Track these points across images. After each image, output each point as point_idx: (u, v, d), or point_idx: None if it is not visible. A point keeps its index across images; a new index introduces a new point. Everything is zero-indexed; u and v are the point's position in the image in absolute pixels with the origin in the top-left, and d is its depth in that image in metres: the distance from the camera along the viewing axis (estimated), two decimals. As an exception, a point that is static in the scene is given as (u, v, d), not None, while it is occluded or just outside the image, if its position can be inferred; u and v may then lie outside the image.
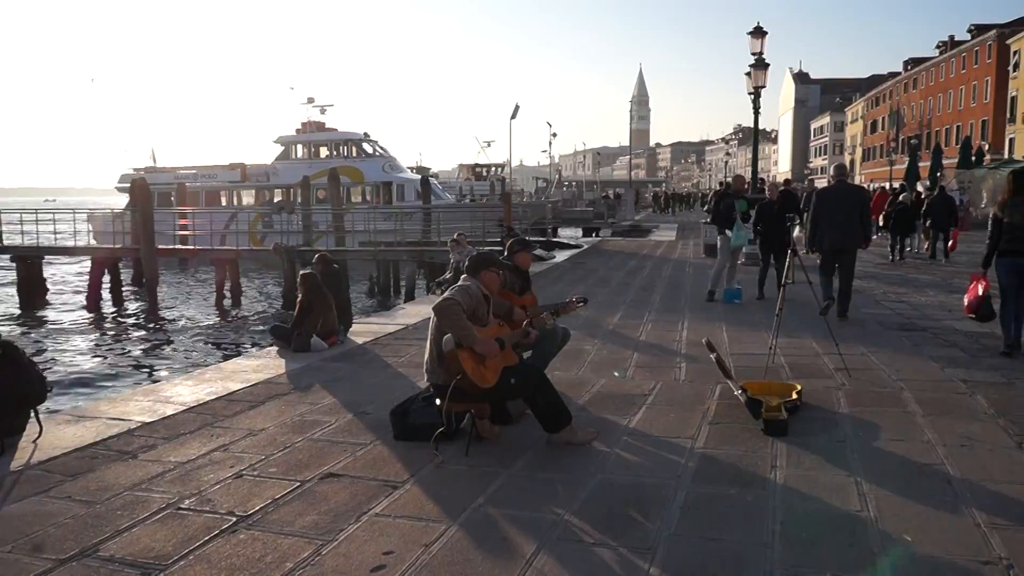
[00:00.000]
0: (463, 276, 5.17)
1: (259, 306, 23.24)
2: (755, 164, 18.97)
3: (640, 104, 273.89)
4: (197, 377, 7.21)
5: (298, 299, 8.54)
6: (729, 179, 13.17)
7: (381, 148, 40.17)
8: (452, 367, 4.63)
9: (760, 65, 17.50)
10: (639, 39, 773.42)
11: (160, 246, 23.31)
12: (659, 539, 3.59)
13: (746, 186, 14.32)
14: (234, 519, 3.88)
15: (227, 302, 22.19)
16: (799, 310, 9.60)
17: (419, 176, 39.82)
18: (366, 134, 40.38)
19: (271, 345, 8.66)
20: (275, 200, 36.99)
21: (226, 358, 14.56)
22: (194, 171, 39.96)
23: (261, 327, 19.04)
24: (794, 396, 5.67)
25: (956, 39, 69.32)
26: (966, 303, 8.03)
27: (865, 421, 5.39)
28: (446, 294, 4.78)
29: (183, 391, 6.56)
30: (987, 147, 51.80)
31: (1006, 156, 51.67)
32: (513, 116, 51.88)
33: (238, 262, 22.73)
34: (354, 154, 38.75)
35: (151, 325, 20.07)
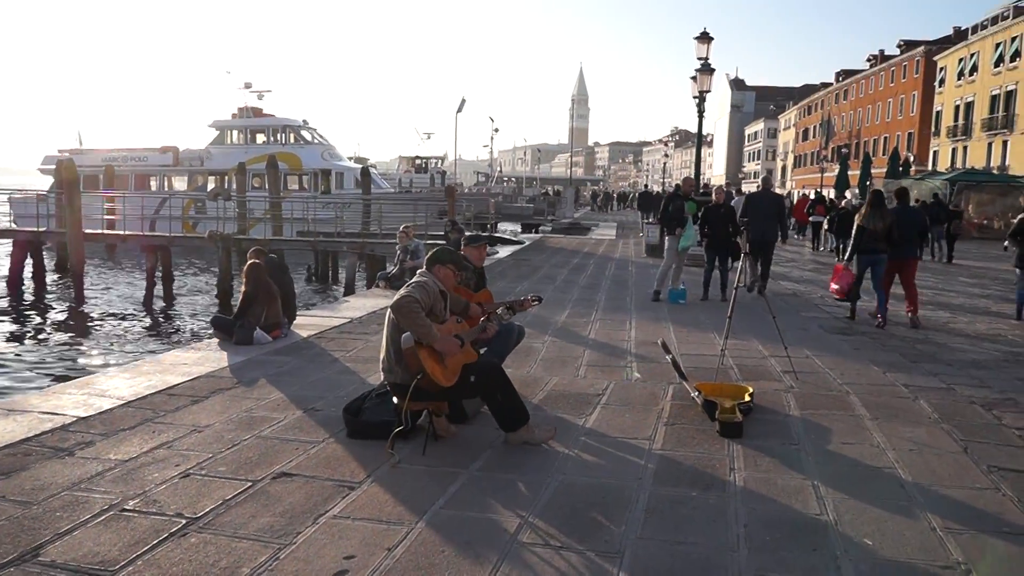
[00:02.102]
0: (419, 271, 5.05)
1: (193, 296, 22.56)
2: (698, 166, 19.24)
3: (580, 103, 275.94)
4: (134, 370, 6.89)
5: (242, 289, 8.26)
6: (679, 181, 13.33)
7: (320, 136, 39.53)
8: (412, 366, 4.51)
9: (706, 69, 17.74)
10: (580, 39, 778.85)
11: (87, 231, 22.36)
12: (625, 542, 3.55)
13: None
14: (183, 521, 3.70)
15: (158, 290, 21.43)
16: (745, 313, 9.74)
17: (359, 166, 39.30)
18: (305, 121, 39.66)
19: (211, 336, 8.36)
20: (209, 186, 36.01)
21: (159, 350, 14.10)
22: (123, 154, 38.59)
23: (197, 318, 18.48)
24: (747, 398, 5.72)
25: (886, 53, 71.71)
26: (834, 287, 9.97)
27: (816, 424, 5.47)
28: (403, 291, 4.64)
29: (119, 384, 6.26)
30: (912, 159, 53.78)
31: (930, 168, 53.75)
32: (459, 110, 51.72)
33: (170, 249, 21.99)
34: (292, 141, 38.05)
35: (78, 313, 19.25)
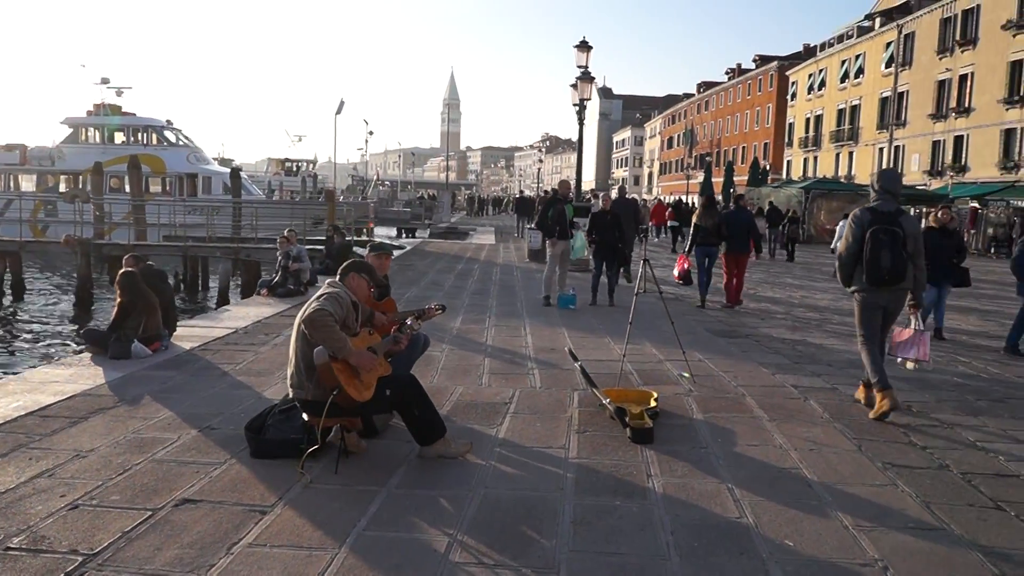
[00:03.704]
0: (329, 282, 4.83)
1: (48, 306, 20.92)
2: (579, 172, 19.59)
3: (452, 107, 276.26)
4: (-2, 389, 6.27)
5: (116, 299, 7.69)
6: (554, 186, 13.56)
7: (185, 137, 37.72)
8: (327, 381, 4.30)
9: (586, 78, 18.10)
10: (451, 43, 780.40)
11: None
12: (559, 557, 3.51)
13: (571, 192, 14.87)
14: (80, 559, 3.36)
15: (7, 300, 19.76)
16: (637, 317, 9.94)
17: (227, 170, 37.72)
18: (169, 121, 37.72)
19: (82, 351, 7.74)
20: (61, 187, 33.61)
21: (19, 366, 12.97)
22: (-39, 151, 35.44)
23: (57, 329, 17.15)
24: (653, 403, 5.81)
25: (743, 67, 75.76)
26: (676, 274, 11.68)
27: (720, 427, 5.63)
28: (315, 304, 4.42)
29: (-17, 406, 5.67)
30: (768, 167, 57.06)
31: (784, 176, 57.16)
32: (338, 111, 50.63)
33: (20, 255, 20.32)
34: (155, 142, 36.13)
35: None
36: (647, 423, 5.32)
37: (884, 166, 46.27)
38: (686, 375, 7.07)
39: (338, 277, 4.79)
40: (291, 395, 4.65)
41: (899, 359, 6.46)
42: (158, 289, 8.06)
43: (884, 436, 5.49)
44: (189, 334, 8.69)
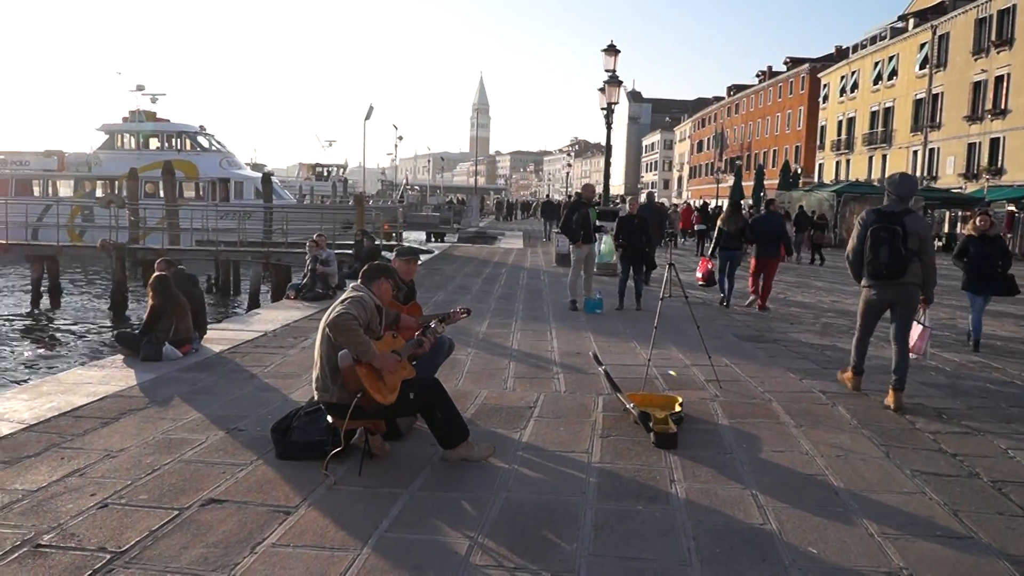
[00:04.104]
0: (353, 286, 4.88)
1: (83, 309, 21.32)
2: (607, 177, 19.55)
3: (481, 112, 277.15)
4: (32, 390, 6.40)
5: (148, 303, 7.83)
6: (578, 190, 13.55)
7: (218, 142, 38.18)
8: (351, 384, 4.34)
9: (614, 82, 18.07)
10: (480, 48, 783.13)
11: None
12: (579, 561, 3.51)
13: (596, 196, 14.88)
14: (107, 556, 3.43)
15: (44, 303, 20.17)
16: (663, 322, 9.90)
17: (258, 175, 38.18)
18: (202, 127, 38.24)
19: (114, 353, 7.89)
20: (98, 192, 34.24)
21: (55, 368, 13.24)
22: (2, 157, 36.23)
23: (93, 332, 17.46)
24: (677, 408, 5.79)
25: (774, 70, 75.10)
26: (699, 276, 12.44)
27: (745, 432, 5.58)
28: (340, 307, 4.47)
29: (18, 407, 5.80)
30: (800, 171, 56.47)
31: (816, 180, 56.55)
32: (367, 117, 50.98)
33: (58, 259, 20.74)
34: (188, 147, 36.60)
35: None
36: (671, 428, 5.29)
37: (919, 169, 45.64)
38: (672, 373, 7.03)
39: (361, 280, 4.83)
40: (316, 398, 4.70)
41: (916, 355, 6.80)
42: (189, 293, 8.19)
43: (913, 443, 5.41)
44: (219, 337, 8.81)
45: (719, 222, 12.94)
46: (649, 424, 5.32)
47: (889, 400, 6.35)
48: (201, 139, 37.23)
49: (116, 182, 33.91)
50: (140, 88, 38.86)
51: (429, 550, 3.59)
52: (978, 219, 9.87)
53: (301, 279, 13.45)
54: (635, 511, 4.09)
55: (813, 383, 7.21)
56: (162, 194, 30.09)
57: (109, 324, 18.32)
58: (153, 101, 39.41)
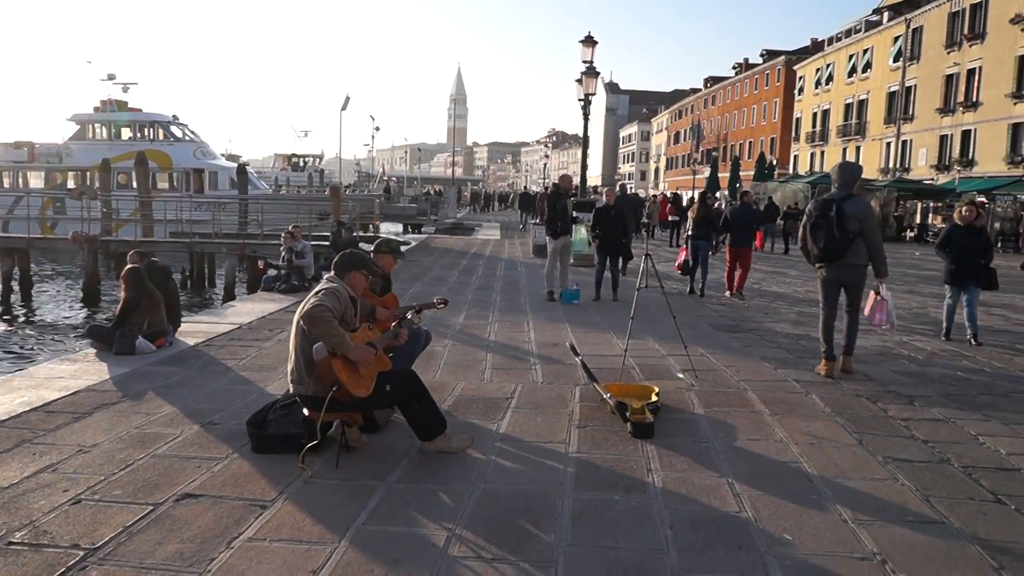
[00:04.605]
0: (327, 277, 4.84)
1: (55, 302, 21.02)
2: (584, 168, 19.57)
3: (458, 103, 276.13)
4: (3, 385, 6.29)
5: (121, 295, 7.73)
6: (556, 180, 13.57)
7: (192, 132, 37.73)
8: (326, 377, 4.32)
9: (591, 73, 18.07)
10: (457, 39, 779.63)
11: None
12: (558, 551, 3.52)
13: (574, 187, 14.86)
14: (81, 553, 3.39)
15: (15, 296, 19.85)
16: (639, 312, 9.94)
17: (233, 164, 37.80)
18: (175, 116, 37.76)
19: (86, 347, 7.79)
20: (69, 184, 33.72)
21: (22, 361, 13.05)
22: (-32, 148, 35.58)
23: (64, 326, 17.22)
24: (654, 398, 5.81)
25: (750, 62, 75.48)
26: (677, 264, 12.98)
27: (721, 421, 5.63)
28: (313, 299, 4.43)
29: (-12, 401, 5.71)
30: (775, 162, 56.85)
31: (791, 171, 56.97)
32: (344, 107, 50.68)
33: (29, 252, 20.41)
34: (161, 137, 36.15)
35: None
36: (648, 418, 5.32)
37: (892, 160, 46.13)
38: (681, 375, 7.02)
39: (334, 272, 4.79)
40: (292, 391, 4.67)
41: (873, 324, 7.43)
42: (162, 285, 8.10)
43: (885, 430, 5.48)
44: (193, 330, 8.72)
45: (691, 214, 13.52)
46: (626, 414, 5.35)
47: (841, 364, 7.17)
48: (174, 129, 36.78)
49: (88, 173, 33.41)
50: (111, 77, 38.30)
51: (407, 542, 3.58)
52: (964, 209, 9.53)
53: (278, 271, 13.36)
54: (612, 501, 4.11)
55: (787, 372, 7.28)
56: (135, 185, 29.71)
57: (82, 318, 18.08)
58: (125, 90, 38.92)
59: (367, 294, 5.42)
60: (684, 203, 28.55)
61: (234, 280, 19.73)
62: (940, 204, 38.20)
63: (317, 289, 4.59)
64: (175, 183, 35.05)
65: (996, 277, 9.33)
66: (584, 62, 18.01)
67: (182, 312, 9.00)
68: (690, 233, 13.18)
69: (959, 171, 39.43)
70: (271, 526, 3.73)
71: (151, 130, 36.21)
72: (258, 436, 4.81)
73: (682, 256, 12.88)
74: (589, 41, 17.93)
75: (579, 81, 18.35)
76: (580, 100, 18.37)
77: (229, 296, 18.89)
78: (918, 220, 38.87)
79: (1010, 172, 35.67)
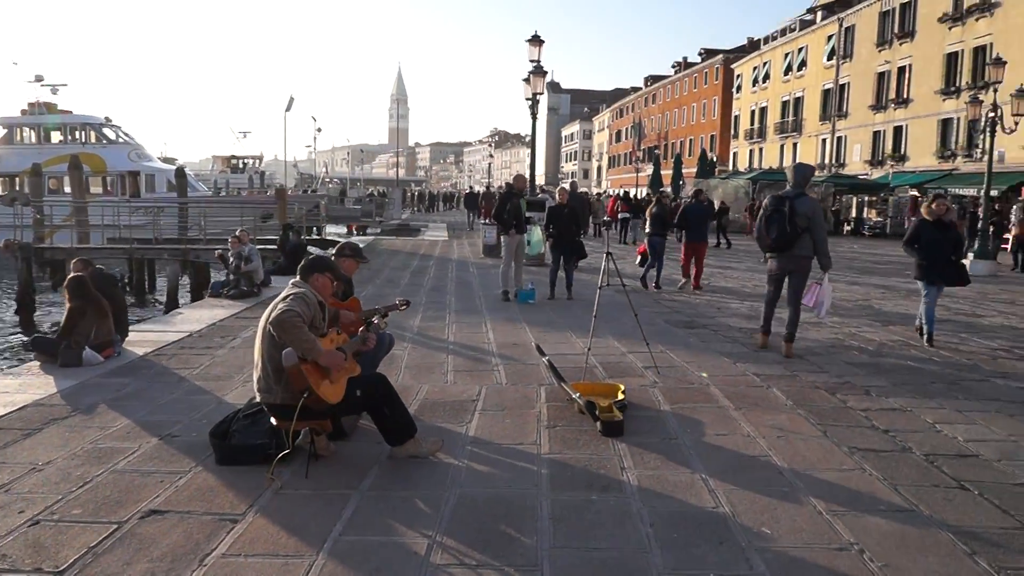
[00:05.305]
0: (293, 282, 4.71)
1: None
2: (533, 167, 19.57)
3: (400, 103, 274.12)
4: (-58, 401, 6.00)
5: (65, 305, 7.44)
6: (510, 179, 13.58)
7: (125, 134, 36.64)
8: (297, 384, 4.20)
9: (539, 72, 18.09)
10: (397, 38, 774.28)
11: None
12: (541, 554, 3.48)
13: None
14: (45, 577, 3.23)
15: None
16: (598, 312, 9.98)
17: (171, 167, 36.83)
18: (107, 118, 36.64)
19: (30, 360, 7.48)
20: (-3, 190, 32.44)
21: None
22: None
23: (3, 338, 16.54)
24: (620, 396, 5.83)
25: (689, 60, 76.62)
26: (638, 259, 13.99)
27: (687, 417, 5.67)
28: (282, 304, 4.31)
29: (-72, 420, 5.42)
30: (715, 159, 57.84)
31: (731, 168, 58.01)
32: (288, 108, 49.81)
33: (-45, 261, 19.56)
34: (94, 140, 35.03)
35: None
36: (617, 416, 5.33)
37: (827, 156, 47.34)
38: (704, 375, 6.95)
39: (299, 276, 4.68)
40: (259, 399, 4.54)
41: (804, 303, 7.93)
42: (109, 293, 7.82)
43: (847, 421, 5.60)
44: (142, 339, 8.44)
45: (650, 209, 14.21)
46: (595, 413, 5.34)
47: (784, 350, 7.84)
48: (107, 131, 35.68)
49: (17, 179, 32.17)
50: (39, 79, 36.98)
51: (387, 551, 3.51)
52: (934, 203, 8.89)
53: (225, 277, 13.06)
54: (590, 501, 4.09)
55: (746, 366, 7.38)
56: (68, 190, 28.72)
57: (18, 329, 17.39)
58: (54, 92, 37.63)
59: (330, 299, 5.31)
60: (633, 201, 28.90)
61: (176, 286, 19.22)
62: (875, 198, 39.38)
63: (285, 294, 4.47)
64: (109, 187, 34.00)
65: (966, 273, 9.10)
66: (531, 61, 18.02)
67: (129, 321, 8.70)
68: (648, 230, 13.75)
69: (892, 166, 40.64)
70: (244, 541, 3.61)
71: (83, 133, 35.07)
72: (222, 447, 4.67)
73: (641, 250, 13.67)
74: (536, 40, 17.95)
75: (527, 80, 18.36)
76: (528, 99, 18.37)
77: (172, 303, 18.41)
78: (854, 214, 39.99)
79: (940, 166, 36.92)
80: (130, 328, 8.59)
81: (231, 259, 12.63)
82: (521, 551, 3.51)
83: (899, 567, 3.39)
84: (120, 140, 35.86)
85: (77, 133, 35.20)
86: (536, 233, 12.57)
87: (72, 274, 7.60)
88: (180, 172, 32.24)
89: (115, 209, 23.62)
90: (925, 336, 8.73)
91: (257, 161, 70.40)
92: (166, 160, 51.77)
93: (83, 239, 22.71)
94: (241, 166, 64.70)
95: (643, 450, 4.92)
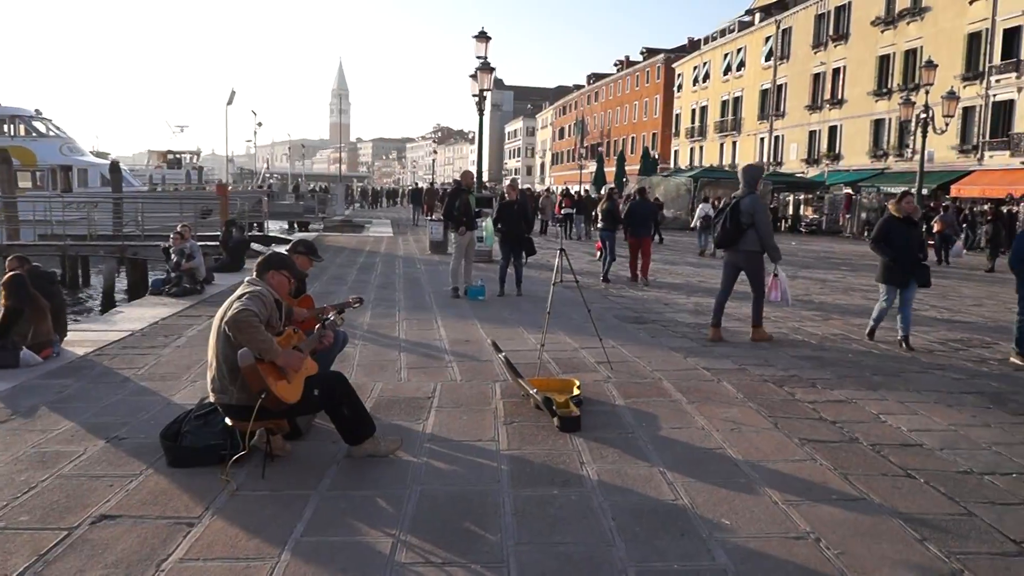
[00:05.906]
0: (248, 280, 4.62)
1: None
2: (480, 163, 19.55)
3: (341, 97, 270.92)
4: None
5: (1, 305, 7.16)
6: (458, 176, 13.58)
7: (57, 128, 35.41)
8: (253, 384, 4.12)
9: (485, 68, 18.07)
10: (338, 32, 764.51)
11: None
12: (506, 550, 3.49)
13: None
14: (-7, 587, 3.11)
15: None
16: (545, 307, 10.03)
17: (105, 161, 35.73)
18: (37, 111, 35.37)
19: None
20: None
21: None
22: None
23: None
24: (576, 391, 5.87)
25: (631, 59, 77.45)
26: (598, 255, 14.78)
27: (642, 411, 5.74)
28: (238, 303, 4.22)
29: None
30: (657, 157, 58.64)
31: (672, 165, 58.89)
32: (229, 102, 48.71)
33: None
34: (23, 133, 33.77)
35: None
36: (574, 411, 5.36)
37: (765, 155, 48.39)
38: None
39: (255, 274, 4.59)
40: (213, 400, 4.43)
41: (771, 300, 8.54)
42: (47, 292, 7.55)
43: (796, 413, 5.73)
44: (81, 339, 8.17)
45: (602, 206, 15.00)
46: (553, 408, 5.37)
47: (751, 335, 8.56)
48: (37, 124, 34.47)
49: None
50: (-37, 69, 35.46)
51: (351, 552, 3.47)
52: (902, 201, 8.52)
53: (165, 275, 12.73)
54: (551, 496, 4.11)
55: (697, 360, 7.50)
56: (-6, 184, 27.57)
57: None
58: (-21, 83, 36.10)
59: (284, 296, 5.23)
60: (576, 197, 29.14)
61: (113, 284, 18.65)
62: (811, 196, 40.38)
63: (240, 293, 4.38)
64: (39, 182, 32.82)
65: (929, 274, 8.42)
66: (478, 58, 18.00)
67: (68, 320, 8.42)
68: (599, 225, 14.54)
69: (827, 165, 41.79)
70: (202, 544, 3.53)
71: (11, 125, 33.81)
72: (173, 449, 4.55)
73: (601, 246, 14.51)
74: (483, 37, 17.92)
75: (474, 77, 18.32)
76: (474, 95, 18.34)
77: (109, 301, 17.87)
78: (791, 211, 40.97)
79: (873, 165, 38.11)
80: (69, 328, 8.31)
81: (172, 256, 12.32)
82: (486, 548, 3.51)
83: (854, 554, 3.49)
84: (51, 133, 34.67)
85: (6, 126, 33.93)
86: (489, 226, 12.54)
87: (8, 272, 7.32)
88: (115, 167, 31.34)
89: (47, 204, 22.80)
90: (871, 333, 8.77)
91: (195, 156, 68.79)
92: (98, 154, 50.21)
93: (12, 236, 21.83)
94: (179, 161, 63.12)
95: (601, 444, 4.96)
